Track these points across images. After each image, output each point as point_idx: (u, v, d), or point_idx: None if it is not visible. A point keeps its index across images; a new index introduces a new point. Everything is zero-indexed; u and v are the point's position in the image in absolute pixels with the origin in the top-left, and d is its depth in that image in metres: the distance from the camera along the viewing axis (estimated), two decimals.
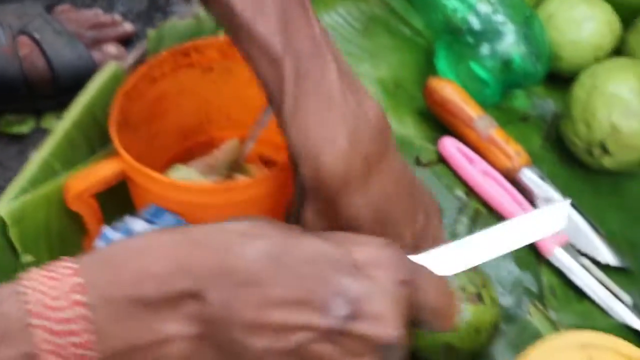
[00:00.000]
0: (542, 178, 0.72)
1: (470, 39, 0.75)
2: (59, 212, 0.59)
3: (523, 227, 0.48)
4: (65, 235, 0.60)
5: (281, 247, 0.38)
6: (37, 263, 0.52)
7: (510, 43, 0.74)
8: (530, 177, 0.72)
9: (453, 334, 0.58)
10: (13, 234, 0.56)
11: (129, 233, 0.53)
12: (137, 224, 0.53)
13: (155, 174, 0.55)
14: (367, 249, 0.40)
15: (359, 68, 0.80)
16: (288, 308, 0.37)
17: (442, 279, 0.42)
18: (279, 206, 0.58)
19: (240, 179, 0.63)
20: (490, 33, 0.74)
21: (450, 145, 0.72)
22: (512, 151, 0.72)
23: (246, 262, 0.37)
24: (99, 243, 0.54)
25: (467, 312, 0.58)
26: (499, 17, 0.74)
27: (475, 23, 0.75)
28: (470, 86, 0.76)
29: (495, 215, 0.71)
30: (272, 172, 0.56)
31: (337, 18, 0.80)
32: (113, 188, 0.59)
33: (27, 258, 0.56)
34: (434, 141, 0.74)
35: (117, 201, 0.61)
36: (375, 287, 0.38)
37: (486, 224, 0.70)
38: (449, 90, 0.74)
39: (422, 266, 0.42)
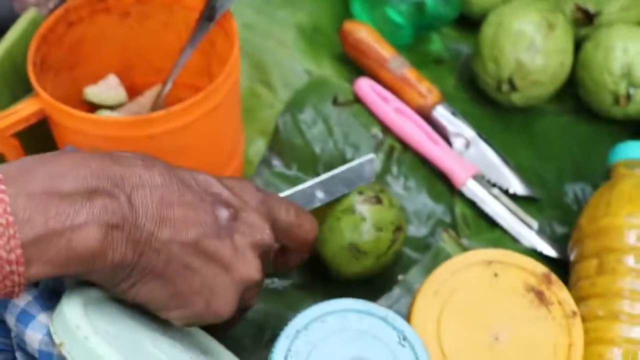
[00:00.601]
0: (454, 114, 0.75)
1: None
2: None
3: (339, 179, 0.59)
4: None
5: (173, 169, 0.46)
6: None
7: None
8: (443, 113, 0.75)
9: (356, 234, 0.61)
10: None
11: None
12: None
13: (73, 110, 0.57)
14: (233, 180, 0.51)
15: (278, 14, 0.82)
16: (185, 207, 0.44)
17: (289, 202, 0.54)
18: (196, 137, 0.61)
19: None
20: None
21: (365, 86, 0.75)
22: (424, 89, 0.75)
23: (150, 173, 0.43)
24: None
25: (366, 213, 0.61)
26: None
27: None
28: (385, 29, 0.78)
29: (410, 151, 0.74)
30: (185, 105, 0.58)
31: None
32: (34, 128, 0.60)
33: None
34: (350, 81, 0.77)
35: (39, 141, 0.62)
36: (246, 203, 0.49)
37: (400, 159, 0.73)
38: (364, 33, 0.77)
39: (271, 192, 0.54)
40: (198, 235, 0.44)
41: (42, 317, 0.42)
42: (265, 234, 0.49)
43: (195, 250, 0.44)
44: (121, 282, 0.43)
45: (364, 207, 0.61)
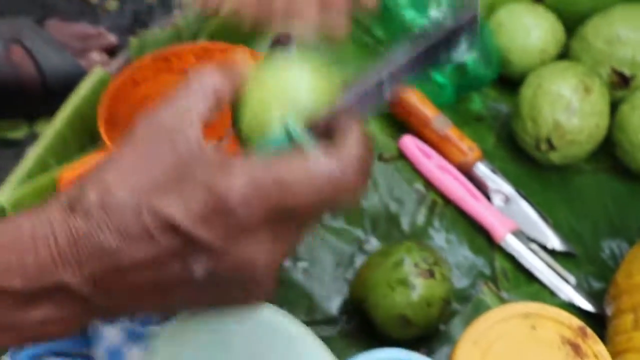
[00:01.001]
0: (494, 172, 0.79)
1: None
2: None
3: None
4: None
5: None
6: None
7: (462, 49, 0.81)
8: (483, 170, 0.79)
9: (407, 307, 0.64)
10: None
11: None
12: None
13: None
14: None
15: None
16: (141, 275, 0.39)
17: None
18: None
19: None
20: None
21: (409, 143, 0.79)
22: (465, 147, 0.79)
23: None
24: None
25: (419, 287, 0.64)
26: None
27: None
28: (428, 88, 0.82)
29: (452, 206, 0.77)
30: None
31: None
32: None
33: None
34: (396, 139, 0.81)
35: None
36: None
37: (442, 213, 0.77)
38: (409, 93, 0.81)
39: None
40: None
41: (132, 356, 0.44)
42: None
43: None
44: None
45: (417, 281, 0.64)
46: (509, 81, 0.86)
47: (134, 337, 0.46)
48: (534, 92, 0.78)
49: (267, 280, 0.39)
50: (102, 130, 0.64)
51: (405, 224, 0.76)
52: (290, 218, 0.38)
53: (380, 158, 0.79)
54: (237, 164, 0.38)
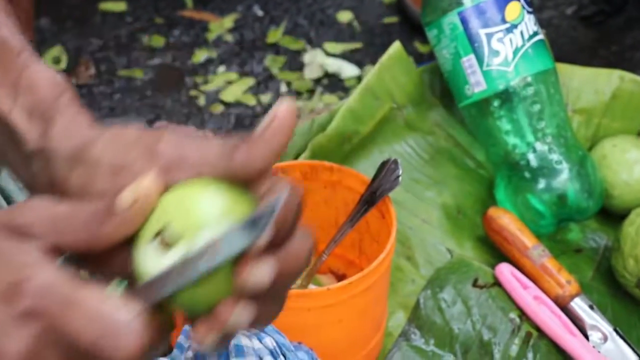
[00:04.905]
0: (591, 307, 0.77)
1: (527, 174, 0.82)
2: None
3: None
4: None
5: None
6: None
7: (564, 179, 0.81)
8: (580, 305, 0.77)
9: None
10: None
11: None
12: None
13: None
14: None
15: (425, 194, 0.87)
16: None
17: None
18: (350, 312, 0.65)
19: (314, 288, 0.70)
20: (546, 169, 0.81)
21: (506, 271, 0.78)
22: (563, 280, 0.78)
23: None
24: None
25: None
26: (555, 156, 0.81)
27: (532, 160, 0.82)
28: (527, 216, 0.82)
29: (546, 339, 0.75)
30: (343, 283, 0.63)
31: (406, 148, 0.88)
32: None
33: None
34: (491, 265, 0.80)
35: None
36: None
37: (536, 346, 0.75)
38: (507, 219, 0.81)
39: None
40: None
41: None
42: None
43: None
44: None
45: None
46: (610, 213, 0.85)
47: None
48: (637, 231, 0.77)
49: None
50: None
51: (497, 353, 0.75)
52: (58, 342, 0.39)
53: (475, 284, 0.78)
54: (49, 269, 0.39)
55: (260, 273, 0.38)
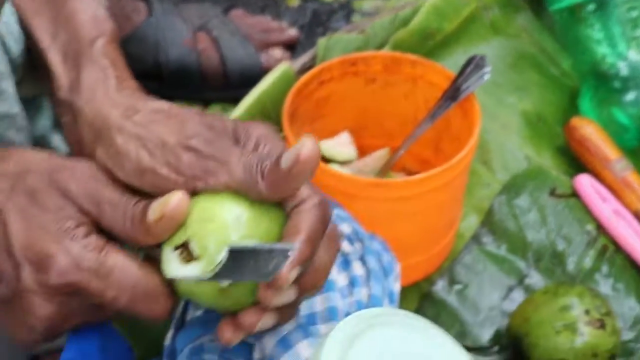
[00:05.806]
0: None
1: (617, 85, 0.78)
2: None
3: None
4: None
5: None
6: None
7: None
8: None
9: (569, 352, 0.61)
10: None
11: None
12: None
13: (321, 163, 0.61)
14: None
15: (506, 99, 0.84)
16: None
17: None
18: (426, 206, 0.63)
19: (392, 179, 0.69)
20: (638, 80, 0.78)
21: (586, 182, 0.76)
22: None
23: None
24: None
25: (587, 335, 0.61)
26: None
27: (623, 69, 0.78)
28: (611, 129, 0.79)
29: (622, 254, 0.73)
30: (422, 176, 0.61)
31: (490, 50, 0.85)
32: None
33: None
34: (570, 175, 0.78)
35: None
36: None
37: (612, 260, 0.73)
38: (590, 130, 0.78)
39: None
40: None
41: (300, 347, 0.45)
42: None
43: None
44: None
45: (586, 329, 0.61)
46: None
47: (304, 330, 0.46)
48: None
49: (38, 328, 0.43)
50: (285, 124, 0.65)
51: (570, 264, 0.73)
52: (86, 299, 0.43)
53: (553, 193, 0.76)
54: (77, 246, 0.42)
55: (287, 294, 0.42)
